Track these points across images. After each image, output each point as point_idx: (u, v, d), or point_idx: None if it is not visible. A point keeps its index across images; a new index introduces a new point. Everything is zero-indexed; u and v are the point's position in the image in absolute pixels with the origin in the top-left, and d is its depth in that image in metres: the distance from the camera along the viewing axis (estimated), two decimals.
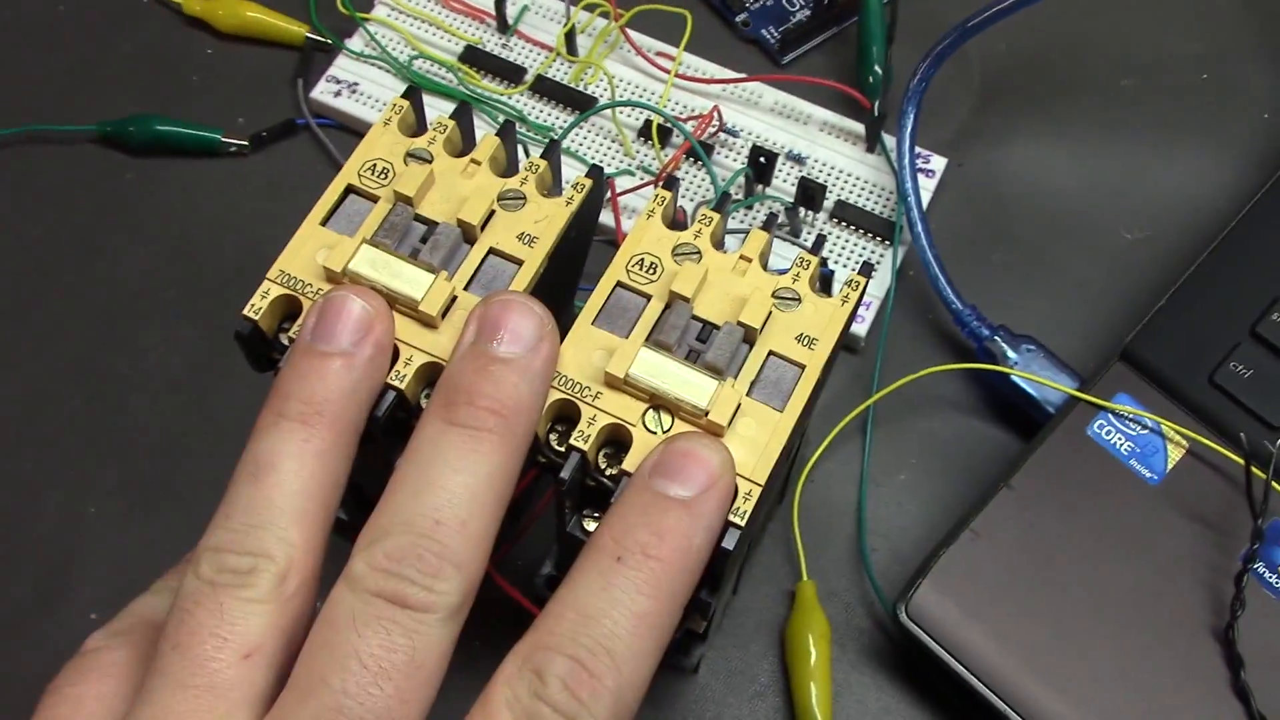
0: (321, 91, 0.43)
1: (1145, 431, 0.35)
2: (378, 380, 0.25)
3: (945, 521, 0.35)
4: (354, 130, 0.43)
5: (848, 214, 0.40)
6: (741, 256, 0.27)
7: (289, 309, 0.26)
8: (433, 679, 0.22)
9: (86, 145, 0.43)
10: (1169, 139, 0.43)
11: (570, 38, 0.43)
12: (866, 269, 0.28)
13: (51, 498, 0.37)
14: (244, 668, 0.21)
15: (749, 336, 0.26)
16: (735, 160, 0.41)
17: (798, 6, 0.45)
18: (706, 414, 0.25)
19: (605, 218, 0.39)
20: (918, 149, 0.41)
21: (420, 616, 0.21)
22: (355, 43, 0.44)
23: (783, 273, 0.27)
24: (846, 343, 0.39)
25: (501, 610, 0.30)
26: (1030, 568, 0.33)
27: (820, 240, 0.28)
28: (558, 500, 0.26)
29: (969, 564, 0.33)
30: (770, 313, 0.26)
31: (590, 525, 0.26)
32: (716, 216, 0.28)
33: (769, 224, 0.28)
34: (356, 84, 0.43)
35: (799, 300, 0.27)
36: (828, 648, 0.34)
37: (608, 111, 0.42)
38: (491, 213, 0.27)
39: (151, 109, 0.43)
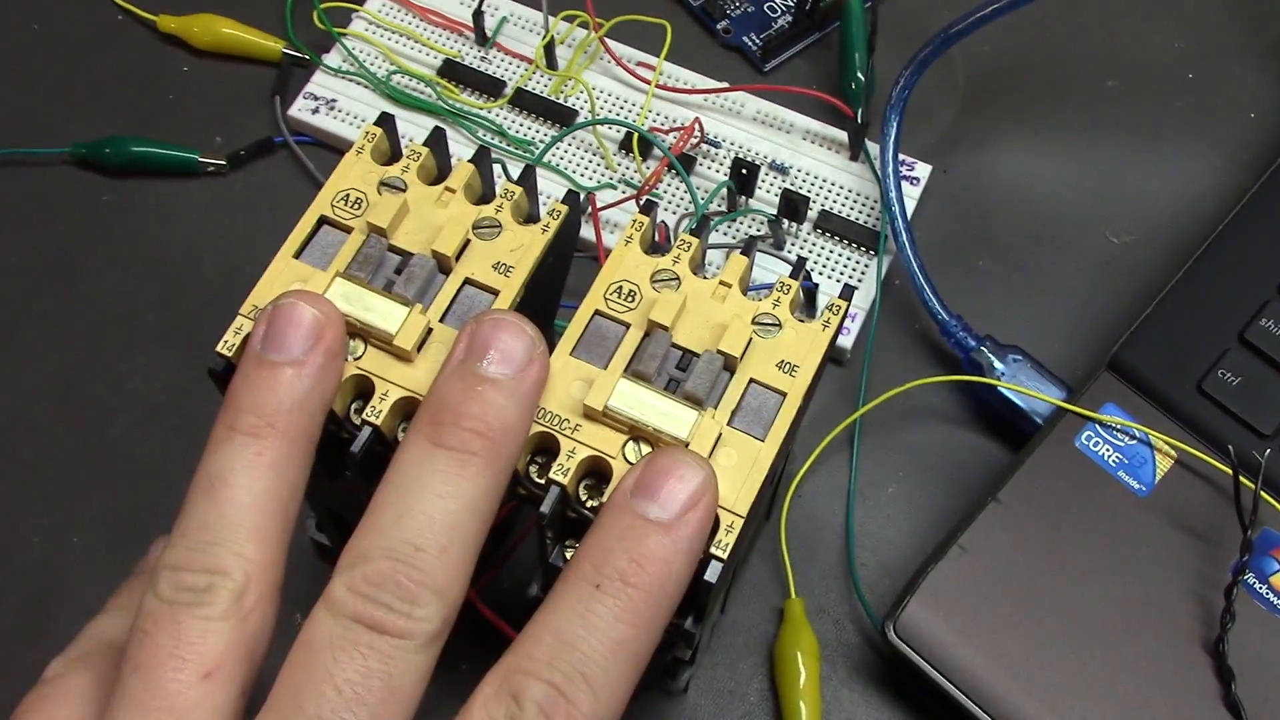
0: (299, 108, 0.42)
1: (1133, 442, 0.35)
2: (330, 386, 0.24)
3: (934, 534, 0.35)
4: (333, 147, 0.42)
5: (832, 224, 0.40)
6: (721, 282, 0.27)
7: None
8: (408, 704, 0.22)
9: (63, 167, 0.42)
10: (1154, 140, 0.42)
11: (550, 50, 0.42)
12: (848, 292, 0.27)
13: (34, 528, 0.37)
14: (205, 688, 0.21)
15: (729, 364, 0.26)
16: (718, 170, 0.41)
17: (779, 13, 0.44)
18: (687, 445, 0.24)
19: (587, 232, 0.39)
20: (902, 156, 0.41)
21: (397, 643, 0.21)
22: (333, 58, 0.43)
23: (766, 288, 0.27)
24: (832, 355, 0.39)
25: (486, 633, 0.30)
26: (1019, 583, 0.33)
27: (800, 262, 0.28)
28: (539, 532, 0.26)
29: (957, 580, 0.33)
30: (750, 340, 0.26)
31: (571, 555, 0.26)
32: (695, 241, 0.27)
33: (749, 248, 0.28)
34: (335, 100, 0.42)
35: (779, 326, 0.26)
36: (817, 666, 0.34)
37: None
38: (467, 242, 0.27)
39: (128, 129, 0.43)
